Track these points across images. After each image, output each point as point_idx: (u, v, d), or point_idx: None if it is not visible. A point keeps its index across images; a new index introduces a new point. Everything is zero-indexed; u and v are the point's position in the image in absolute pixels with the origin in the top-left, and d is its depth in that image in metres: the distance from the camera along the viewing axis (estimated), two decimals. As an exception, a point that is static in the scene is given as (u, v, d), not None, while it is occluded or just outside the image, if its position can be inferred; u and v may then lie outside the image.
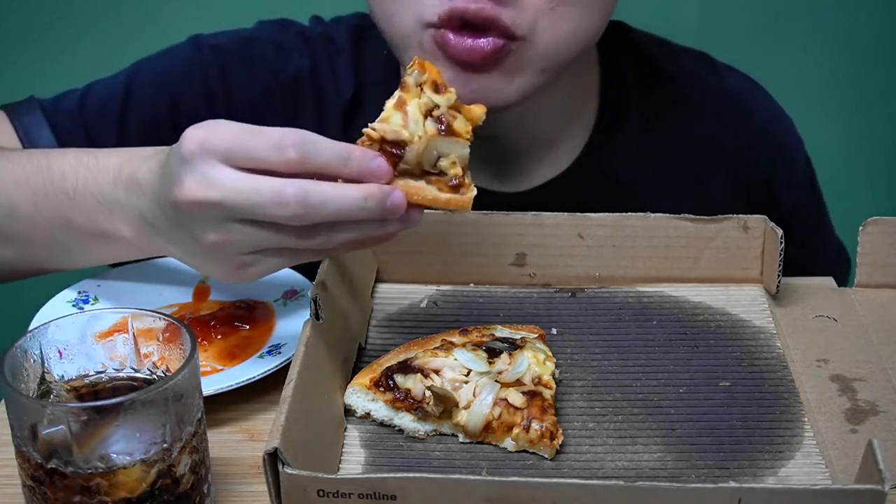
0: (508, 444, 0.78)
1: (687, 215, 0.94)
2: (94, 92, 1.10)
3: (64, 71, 1.27)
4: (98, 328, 0.74)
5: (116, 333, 0.74)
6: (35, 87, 1.13)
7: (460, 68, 0.93)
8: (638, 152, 1.12)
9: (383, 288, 0.96)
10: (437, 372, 0.80)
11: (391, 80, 1.09)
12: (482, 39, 0.92)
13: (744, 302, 0.93)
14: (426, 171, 0.77)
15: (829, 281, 0.96)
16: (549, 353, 0.83)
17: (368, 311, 0.92)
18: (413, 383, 0.79)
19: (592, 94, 1.12)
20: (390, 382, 0.80)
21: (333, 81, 1.11)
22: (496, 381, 0.80)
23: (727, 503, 0.66)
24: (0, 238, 0.93)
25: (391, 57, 1.03)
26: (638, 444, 0.78)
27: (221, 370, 0.86)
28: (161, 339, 0.74)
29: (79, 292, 0.94)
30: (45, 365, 0.72)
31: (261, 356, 0.87)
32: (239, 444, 0.81)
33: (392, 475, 0.67)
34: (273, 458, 0.67)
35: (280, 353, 0.86)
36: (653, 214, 0.94)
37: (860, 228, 0.93)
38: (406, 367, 0.81)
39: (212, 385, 0.82)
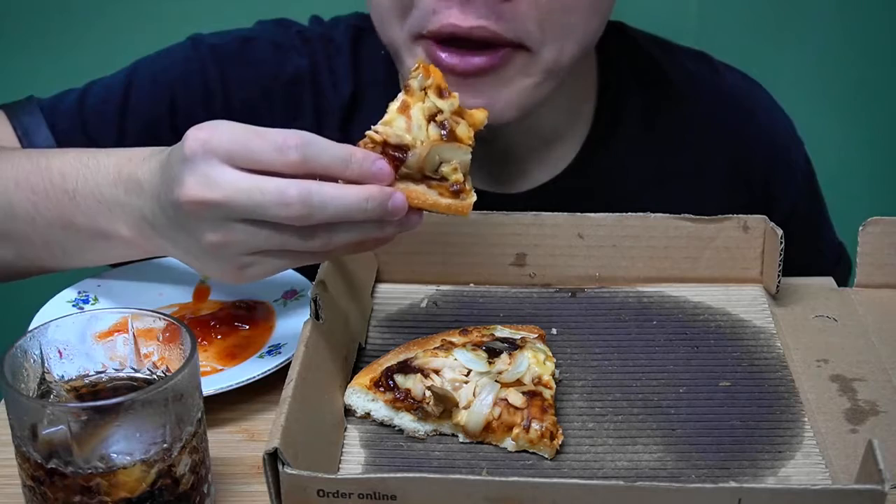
0: (508, 444, 0.78)
1: (687, 215, 0.94)
2: (92, 91, 1.10)
3: (63, 70, 1.28)
4: (98, 328, 0.74)
5: (116, 333, 0.74)
6: (34, 86, 1.13)
7: (456, 76, 0.93)
8: (636, 152, 1.12)
9: (383, 288, 0.96)
10: (437, 372, 0.80)
11: (390, 80, 1.09)
12: (476, 58, 0.92)
13: (744, 302, 0.93)
14: (427, 175, 0.77)
15: (829, 281, 0.96)
16: (549, 353, 0.83)
17: (368, 311, 0.92)
18: (413, 383, 0.79)
19: (591, 94, 1.12)
20: (390, 382, 0.80)
21: (332, 81, 1.11)
22: (496, 381, 0.80)
23: (727, 503, 0.66)
24: None
25: (390, 58, 1.03)
26: (638, 444, 0.78)
27: (221, 370, 0.86)
28: (161, 339, 0.74)
29: (79, 292, 0.94)
30: (45, 365, 0.72)
31: (261, 356, 0.87)
32: (239, 444, 0.81)
33: (392, 475, 0.67)
34: (273, 458, 0.67)
35: (280, 353, 0.86)
36: (653, 214, 0.94)
37: (860, 228, 0.93)
38: (406, 367, 0.81)
39: (212, 385, 0.82)
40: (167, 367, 0.73)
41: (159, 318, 0.73)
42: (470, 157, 0.78)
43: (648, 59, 1.14)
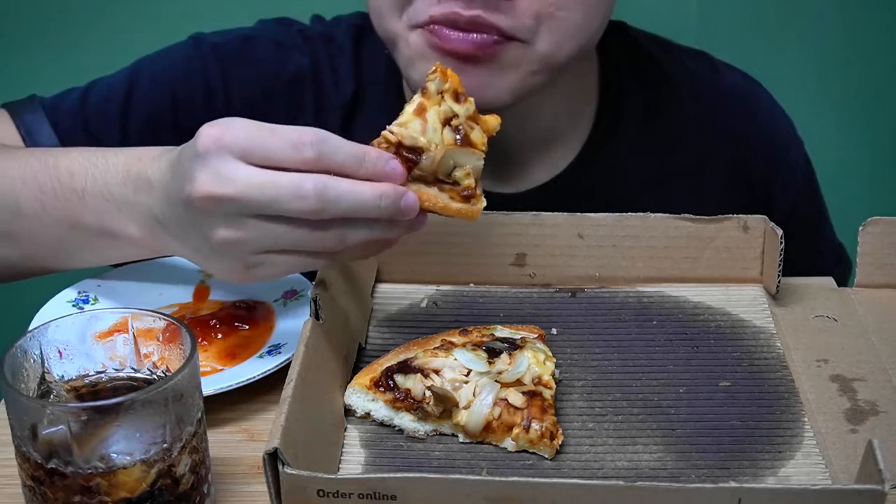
0: (508, 444, 0.78)
1: (687, 215, 0.94)
2: (94, 90, 1.10)
3: (64, 70, 1.28)
4: (98, 328, 0.74)
5: (116, 333, 0.74)
6: (35, 85, 1.13)
7: (452, 59, 0.93)
8: (637, 152, 1.12)
9: (383, 288, 0.96)
10: (437, 372, 0.80)
11: (392, 79, 1.09)
12: (474, 34, 0.92)
13: (744, 302, 0.93)
14: (439, 179, 0.78)
15: (829, 281, 0.96)
16: (549, 353, 0.83)
17: (368, 310, 0.92)
18: (413, 383, 0.79)
19: (592, 94, 1.12)
20: (390, 382, 0.80)
21: (334, 80, 1.11)
22: (496, 381, 0.80)
23: (727, 503, 0.66)
24: (3, 237, 0.92)
25: (391, 57, 1.03)
26: (638, 444, 0.78)
27: (221, 370, 0.86)
28: (161, 339, 0.74)
29: (79, 292, 0.94)
30: (45, 365, 0.72)
31: (261, 356, 0.87)
32: (239, 444, 0.81)
33: (392, 475, 0.67)
34: (273, 458, 0.67)
35: (280, 353, 0.86)
36: (653, 214, 0.94)
37: (860, 228, 0.93)
38: (406, 367, 0.81)
39: (212, 385, 0.82)
40: (167, 367, 0.73)
41: (159, 318, 0.73)
42: (482, 163, 0.79)
43: (649, 58, 1.14)
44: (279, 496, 0.68)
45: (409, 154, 0.77)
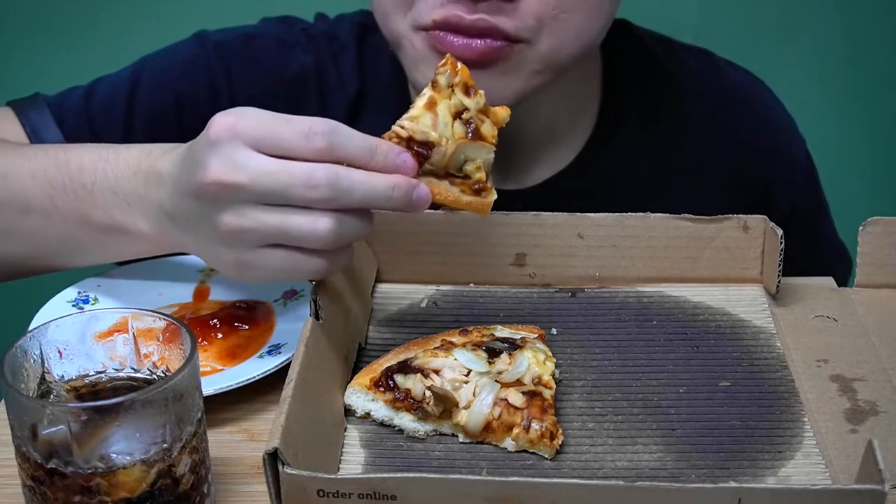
0: (508, 444, 0.78)
1: (687, 215, 0.94)
2: (98, 88, 1.10)
3: (68, 68, 1.28)
4: (98, 328, 0.74)
5: (116, 333, 0.74)
6: (38, 83, 1.13)
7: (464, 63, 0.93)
8: (639, 150, 1.12)
9: (383, 288, 0.96)
10: (437, 372, 0.80)
11: (396, 78, 1.09)
12: (478, 40, 0.92)
13: (744, 302, 0.93)
14: (449, 173, 0.78)
15: (829, 281, 0.96)
16: (549, 353, 0.83)
17: (368, 310, 0.92)
18: (413, 383, 0.79)
19: (594, 92, 1.12)
20: (390, 382, 0.80)
21: (337, 79, 1.11)
22: (496, 381, 0.80)
23: (727, 503, 0.66)
24: (10, 234, 0.92)
25: (395, 55, 1.03)
26: (638, 444, 0.78)
27: (221, 370, 0.86)
28: (161, 339, 0.74)
29: (79, 292, 0.94)
30: (45, 365, 0.72)
31: (261, 356, 0.87)
32: (239, 444, 0.81)
33: (392, 475, 0.67)
34: (273, 458, 0.67)
35: (280, 353, 0.86)
36: (653, 214, 0.94)
37: (860, 228, 0.93)
38: (406, 367, 0.81)
39: (212, 385, 0.82)
40: (167, 367, 0.73)
41: (159, 318, 0.73)
42: (493, 156, 0.79)
43: (651, 56, 1.14)
44: (279, 496, 0.68)
45: (419, 149, 0.77)
